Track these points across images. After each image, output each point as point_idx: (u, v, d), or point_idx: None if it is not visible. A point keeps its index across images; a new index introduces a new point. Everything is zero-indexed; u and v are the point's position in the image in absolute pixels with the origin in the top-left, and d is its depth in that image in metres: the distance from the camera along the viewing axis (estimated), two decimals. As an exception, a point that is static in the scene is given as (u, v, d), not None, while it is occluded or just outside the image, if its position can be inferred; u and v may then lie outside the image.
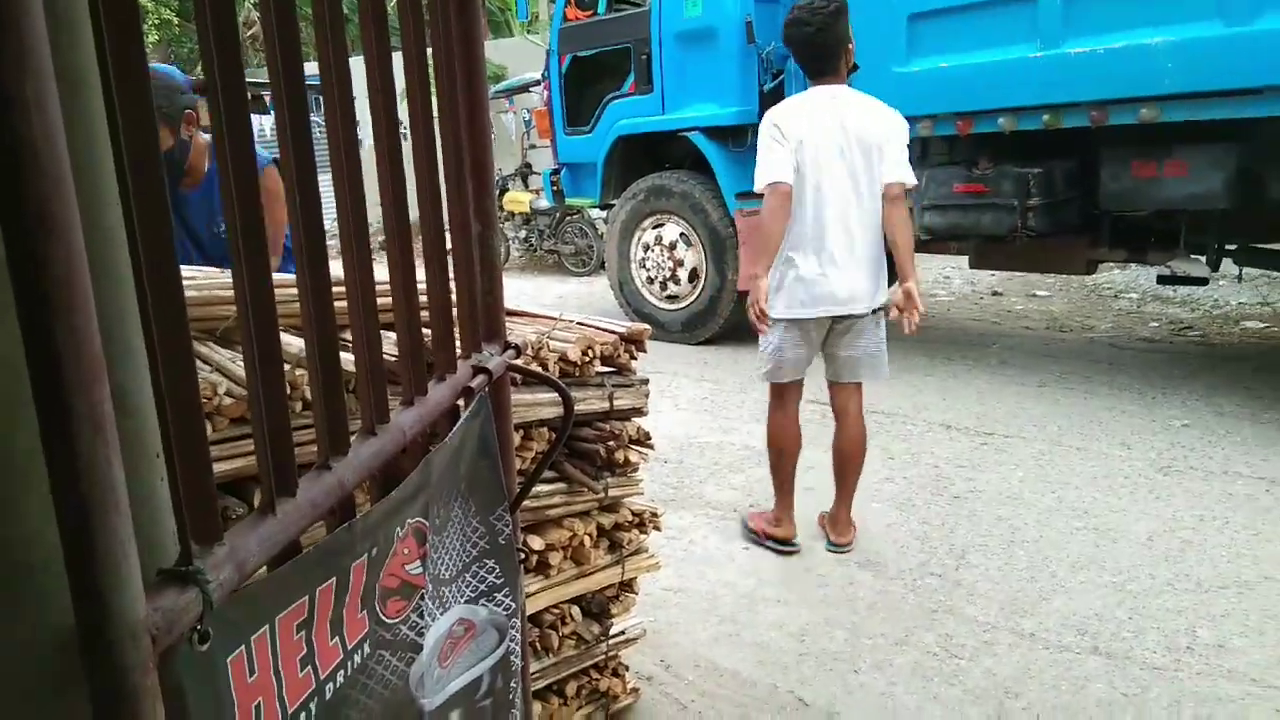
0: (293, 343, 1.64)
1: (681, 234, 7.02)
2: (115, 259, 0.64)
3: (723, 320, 6.88)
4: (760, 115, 6.49)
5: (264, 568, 0.77)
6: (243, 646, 0.72)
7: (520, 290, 9.81)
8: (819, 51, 3.39)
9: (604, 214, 8.44)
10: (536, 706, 2.31)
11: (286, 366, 1.66)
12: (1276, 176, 4.58)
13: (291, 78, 0.85)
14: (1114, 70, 4.83)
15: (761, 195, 3.30)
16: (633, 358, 2.41)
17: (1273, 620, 2.91)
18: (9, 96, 0.50)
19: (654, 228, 7.20)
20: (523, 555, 2.11)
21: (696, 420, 5.23)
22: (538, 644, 2.30)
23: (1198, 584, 3.18)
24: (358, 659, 0.88)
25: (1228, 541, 3.46)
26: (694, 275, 6.99)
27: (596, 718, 2.54)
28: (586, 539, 2.33)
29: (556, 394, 1.39)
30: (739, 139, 6.74)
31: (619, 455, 2.35)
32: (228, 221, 0.78)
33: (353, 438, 0.93)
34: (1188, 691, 2.59)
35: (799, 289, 3.31)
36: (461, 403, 1.17)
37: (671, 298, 7.16)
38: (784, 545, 3.57)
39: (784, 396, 3.50)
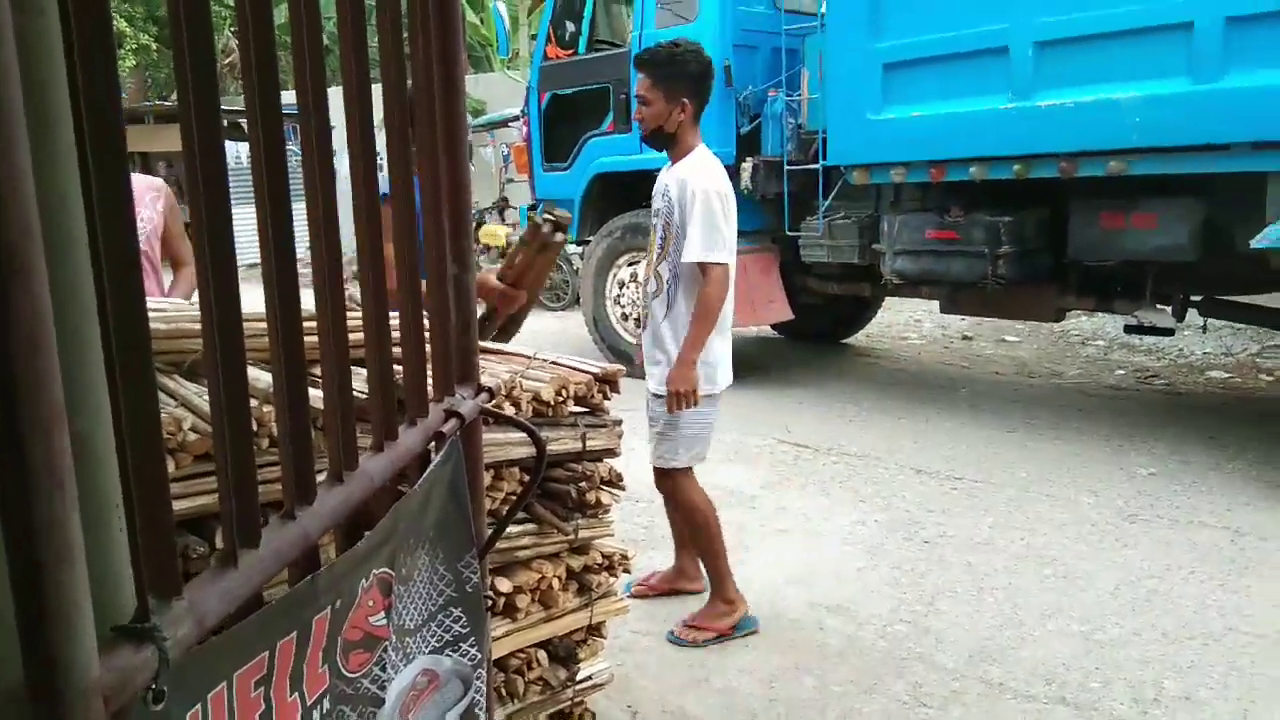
0: (260, 377, 1.62)
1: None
2: (80, 302, 0.62)
3: (696, 359, 6.88)
4: (737, 157, 6.62)
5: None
6: (199, 705, 0.69)
7: (494, 324, 9.76)
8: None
9: (580, 250, 8.46)
10: (500, 753, 2.27)
11: (253, 403, 1.64)
12: (1242, 230, 4.67)
13: (268, 106, 0.84)
14: (1083, 123, 4.93)
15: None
16: (606, 398, 2.39)
17: (1237, 673, 2.92)
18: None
19: (629, 265, 7.22)
20: (490, 598, 2.07)
21: (668, 459, 5.20)
22: (503, 689, 2.26)
23: (1164, 634, 3.19)
24: (317, 715, 0.86)
25: (1194, 592, 3.48)
26: (668, 312, 7.00)
27: (561, 764, 2.49)
28: (555, 581, 2.30)
29: (528, 435, 1.38)
30: (716, 180, 6.79)
31: (590, 496, 2.33)
32: (197, 250, 0.76)
33: (319, 482, 0.91)
34: (1155, 744, 2.59)
35: (725, 361, 3.26)
36: (432, 446, 1.15)
37: (646, 335, 7.16)
38: (749, 625, 3.29)
39: (692, 471, 3.35)
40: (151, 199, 3.16)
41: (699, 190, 3.11)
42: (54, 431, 0.52)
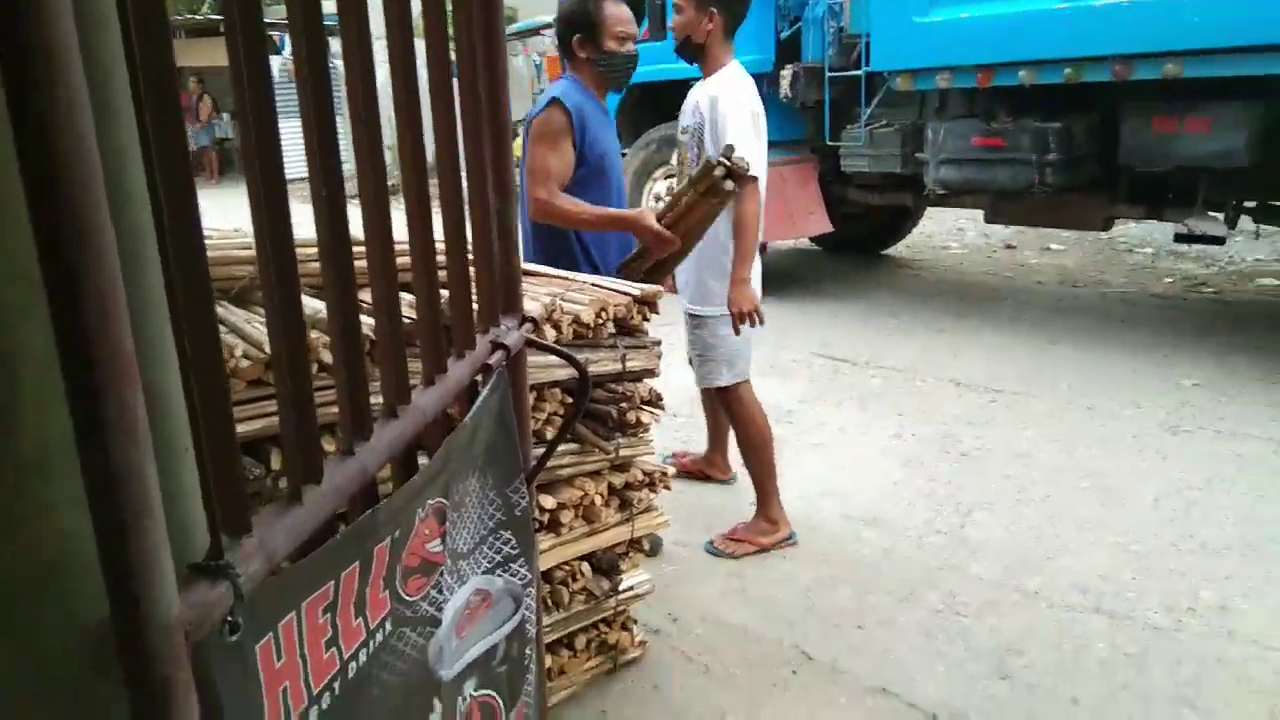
0: (311, 304, 1.65)
1: (694, 184, 6.95)
2: (145, 256, 0.64)
3: (734, 272, 6.85)
4: (777, 64, 6.44)
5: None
6: (270, 634, 0.73)
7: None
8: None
9: (616, 162, 8.35)
10: (547, 659, 2.37)
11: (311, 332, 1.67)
12: (1299, 134, 4.52)
13: (310, 15, 0.83)
14: (1139, 23, 4.73)
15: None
16: (645, 319, 2.41)
17: (1275, 583, 2.94)
18: (40, 109, 0.50)
19: (665, 178, 7.14)
20: (536, 519, 2.14)
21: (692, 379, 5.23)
22: (548, 600, 2.34)
23: (1202, 545, 3.20)
24: (379, 637, 0.90)
25: (1234, 503, 3.48)
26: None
27: (605, 669, 2.59)
28: (597, 498, 2.36)
29: (571, 364, 1.40)
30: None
31: (630, 416, 2.37)
32: (247, 174, 0.76)
33: (374, 418, 0.94)
34: (1189, 652, 2.63)
35: (755, 277, 3.20)
36: (479, 378, 1.18)
37: (683, 248, 7.12)
38: (788, 542, 3.35)
39: (748, 386, 3.38)
40: None
41: (732, 108, 3.08)
42: (127, 389, 0.54)
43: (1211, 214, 5.62)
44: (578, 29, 2.94)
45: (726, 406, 3.40)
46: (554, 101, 2.85)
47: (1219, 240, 5.92)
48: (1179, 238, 6.15)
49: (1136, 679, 2.53)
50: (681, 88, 7.31)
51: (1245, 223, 5.90)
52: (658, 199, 7.21)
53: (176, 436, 0.67)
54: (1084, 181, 5.50)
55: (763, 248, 6.95)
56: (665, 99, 7.29)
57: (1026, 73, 5.23)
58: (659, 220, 2.74)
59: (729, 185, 2.61)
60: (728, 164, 2.59)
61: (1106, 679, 2.54)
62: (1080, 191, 5.58)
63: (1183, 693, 2.47)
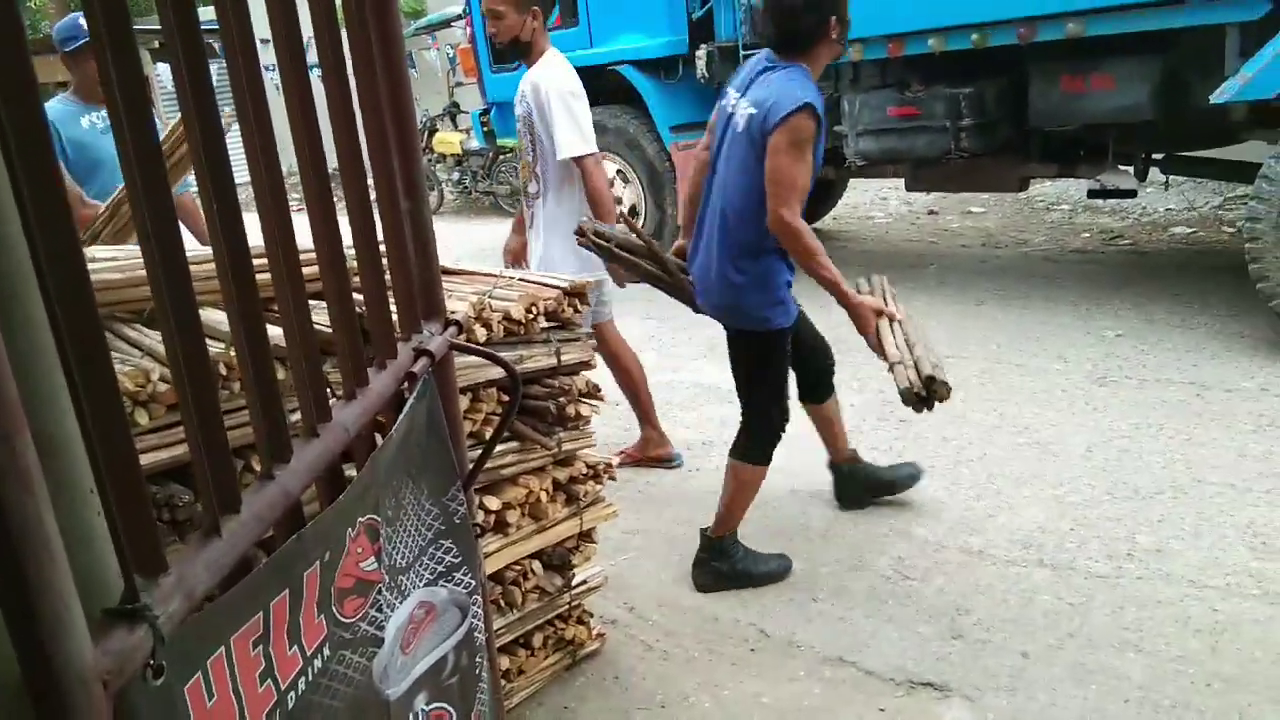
0: (223, 320, 1.60)
1: (618, 171, 6.93)
2: (24, 294, 0.60)
3: (664, 256, 6.86)
4: (691, 45, 6.44)
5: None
6: (199, 673, 0.70)
7: (458, 234, 9.65)
8: None
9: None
10: (504, 660, 2.34)
11: (219, 347, 1.62)
12: (1200, 85, 4.65)
13: (185, 21, 0.79)
14: (1040, -15, 4.83)
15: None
16: (576, 311, 2.39)
17: (1206, 522, 3.04)
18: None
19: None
20: (480, 519, 2.11)
21: (644, 360, 5.18)
22: (501, 601, 2.32)
23: (1135, 491, 3.30)
24: (318, 663, 0.88)
25: (1162, 448, 3.59)
26: (633, 212, 6.93)
27: (563, 665, 2.58)
28: (543, 495, 2.34)
29: (500, 366, 1.37)
30: (670, 70, 6.64)
31: (570, 410, 2.35)
32: (129, 194, 0.72)
33: (293, 438, 0.91)
34: (1129, 596, 2.71)
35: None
36: (405, 386, 1.15)
37: (612, 236, 7.10)
38: (679, 460, 3.90)
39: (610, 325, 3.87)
40: None
41: (553, 91, 3.28)
42: (16, 439, 0.51)
43: (1122, 168, 5.78)
44: (831, 9, 2.61)
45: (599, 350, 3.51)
46: (807, 108, 2.51)
47: (1131, 193, 6.09)
48: (1092, 193, 6.32)
49: (1082, 627, 2.60)
50: (598, 73, 7.31)
51: (1155, 175, 6.08)
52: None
53: (78, 478, 0.64)
54: (998, 144, 5.61)
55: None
56: (585, 85, 7.26)
57: (935, 40, 5.31)
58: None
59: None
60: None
61: (1053, 629, 2.60)
62: (995, 154, 5.69)
63: (1127, 636, 2.54)
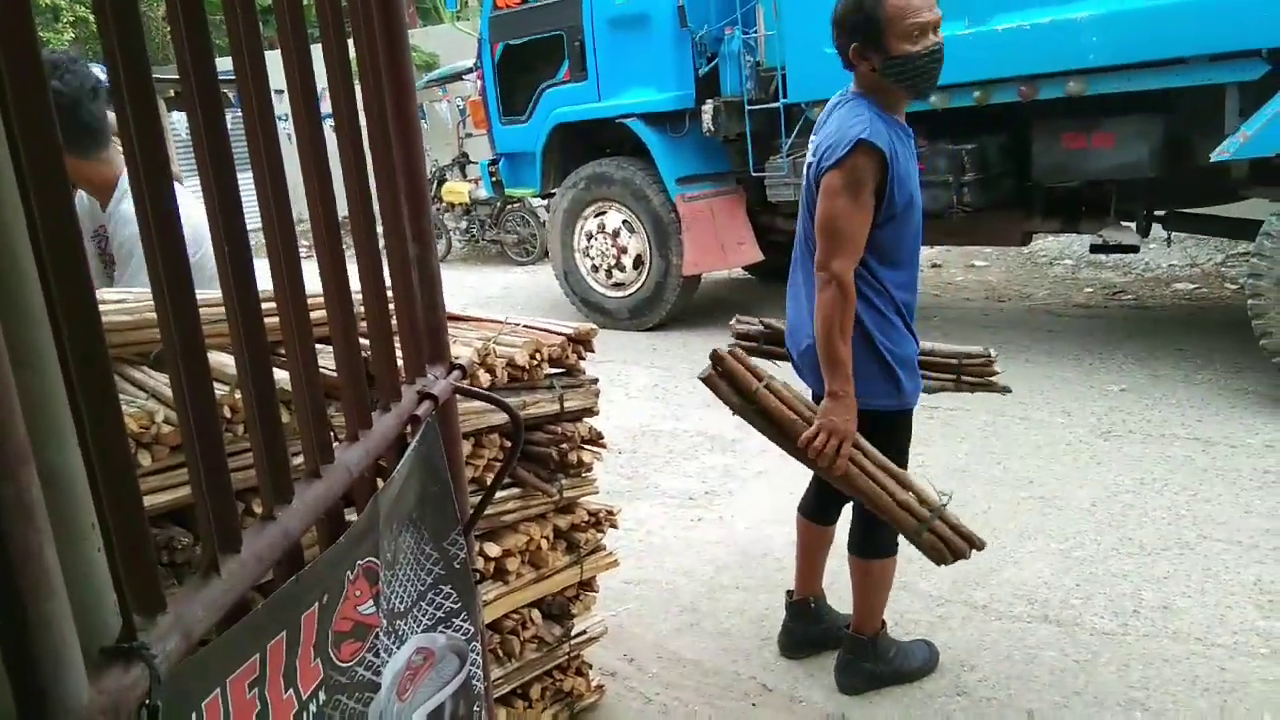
0: (226, 362, 1.61)
1: (624, 221, 7.00)
2: (32, 322, 0.61)
3: (669, 306, 6.90)
4: (697, 99, 6.54)
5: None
6: (194, 715, 0.70)
7: (464, 282, 9.72)
8: None
9: (546, 202, 8.38)
10: (501, 712, 2.31)
11: (224, 389, 1.63)
12: (1201, 144, 4.70)
13: (203, 72, 0.80)
14: (1041, 45, 4.91)
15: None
16: (581, 358, 2.39)
17: (1213, 579, 3.01)
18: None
19: (596, 215, 7.17)
20: (479, 566, 2.10)
21: (648, 408, 5.24)
22: (499, 650, 2.29)
23: (1140, 547, 3.27)
24: (313, 707, 0.87)
25: (1168, 503, 3.57)
26: (639, 262, 6.99)
27: (562, 718, 2.54)
28: (543, 542, 2.32)
29: (503, 410, 1.38)
30: (677, 124, 6.75)
31: (572, 457, 2.35)
32: (142, 235, 0.73)
33: (295, 479, 0.91)
34: (1136, 654, 2.67)
35: None
36: (408, 430, 1.15)
37: (617, 285, 7.15)
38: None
39: None
40: None
41: None
42: (20, 471, 0.51)
43: (1124, 224, 5.83)
44: (854, 35, 2.27)
45: None
46: (860, 146, 2.18)
47: (1134, 249, 6.13)
48: (1095, 248, 6.36)
49: (1088, 685, 2.56)
50: (603, 126, 7.41)
51: (1158, 230, 6.13)
52: (589, 237, 7.23)
53: (79, 513, 0.64)
54: (1001, 199, 5.66)
55: (697, 279, 7.04)
56: (590, 137, 7.38)
57: (937, 97, 5.38)
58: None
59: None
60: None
61: (1059, 687, 2.57)
62: (998, 209, 5.74)
63: (1133, 695, 2.50)
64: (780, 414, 2.33)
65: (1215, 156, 4.40)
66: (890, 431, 2.44)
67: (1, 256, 0.58)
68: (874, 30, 2.22)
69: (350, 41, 1.15)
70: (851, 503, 2.59)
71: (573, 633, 2.48)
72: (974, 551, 2.34)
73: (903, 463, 2.46)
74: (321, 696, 0.88)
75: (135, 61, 0.71)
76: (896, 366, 2.36)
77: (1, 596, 0.54)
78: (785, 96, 6.08)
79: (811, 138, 2.45)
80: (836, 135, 2.24)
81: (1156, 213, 5.83)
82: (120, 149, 2.19)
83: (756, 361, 2.46)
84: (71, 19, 17.34)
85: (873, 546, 2.58)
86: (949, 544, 2.31)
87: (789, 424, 2.32)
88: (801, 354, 2.49)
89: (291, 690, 0.83)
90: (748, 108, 6.36)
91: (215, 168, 0.79)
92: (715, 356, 2.35)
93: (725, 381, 2.36)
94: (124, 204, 2.13)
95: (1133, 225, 5.85)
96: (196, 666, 0.70)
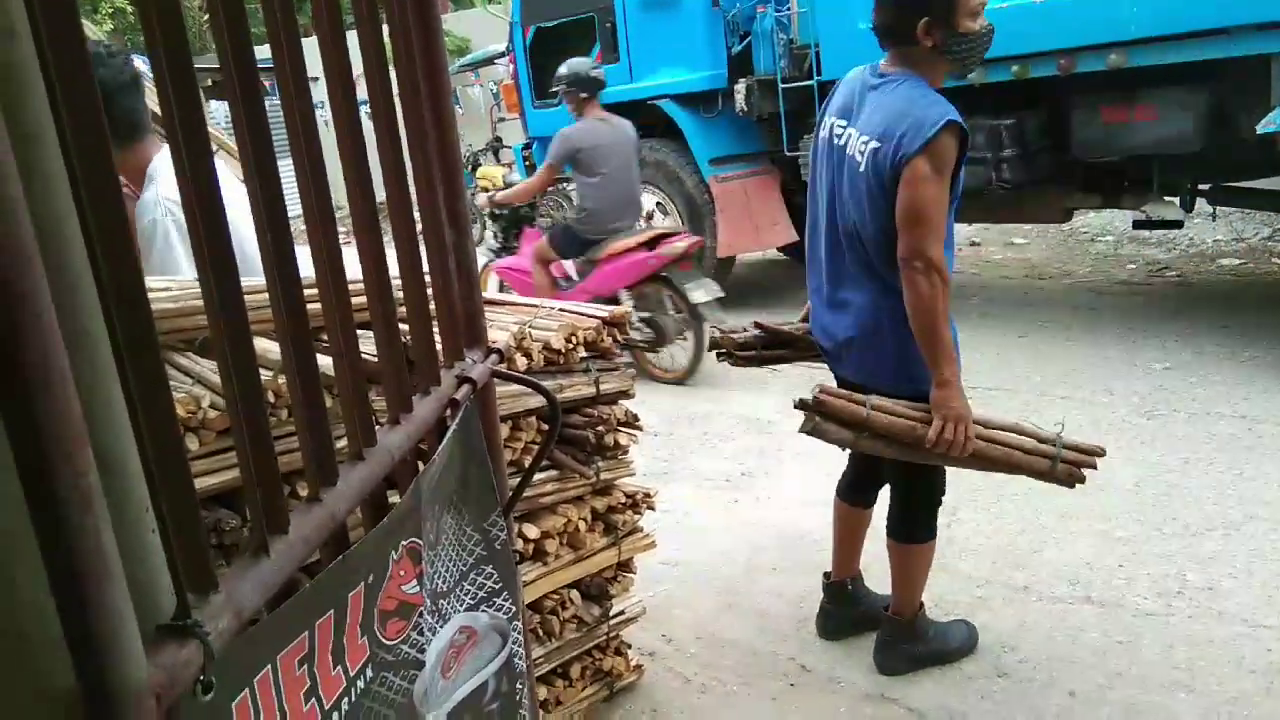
0: (271, 348, 1.63)
1: (658, 203, 6.98)
2: (87, 317, 0.63)
3: (704, 288, 6.89)
4: (730, 78, 6.49)
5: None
6: (246, 690, 0.72)
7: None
8: None
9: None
10: (541, 690, 2.34)
11: (269, 374, 1.66)
12: (1245, 115, 4.59)
13: (242, 59, 0.82)
14: (1080, 17, 4.81)
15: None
16: (616, 341, 2.40)
17: (1259, 559, 2.97)
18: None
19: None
20: (519, 547, 2.12)
21: (685, 391, 5.25)
22: (539, 630, 2.32)
23: (1185, 527, 3.22)
24: (361, 684, 0.89)
25: (1213, 483, 3.51)
26: (670, 242, 6.97)
27: (601, 696, 2.57)
28: (581, 524, 2.34)
29: (540, 393, 1.39)
30: (710, 104, 6.71)
31: (608, 439, 2.36)
32: (189, 223, 0.74)
33: (340, 462, 0.93)
34: (1180, 635, 2.64)
35: None
36: (448, 413, 1.17)
37: (651, 267, 7.14)
38: None
39: None
40: None
41: None
42: (78, 456, 0.53)
43: (1168, 199, 5.71)
44: (924, 9, 2.18)
45: None
46: (950, 126, 2.12)
47: (1178, 224, 6.01)
48: (1138, 224, 6.24)
49: (1130, 666, 2.54)
50: (638, 107, 7.38)
51: (1202, 205, 6.00)
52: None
53: (134, 496, 0.66)
54: (1040, 175, 5.57)
55: (731, 260, 7.00)
56: (623, 119, 7.36)
57: (975, 72, 5.30)
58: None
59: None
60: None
61: (1101, 668, 2.55)
62: (1038, 185, 5.65)
63: (1177, 676, 2.47)
64: (898, 427, 2.28)
65: (1261, 129, 4.29)
66: None
67: (54, 247, 0.59)
68: (948, 6, 2.17)
69: (384, 28, 1.16)
70: (889, 485, 2.60)
71: (611, 613, 2.51)
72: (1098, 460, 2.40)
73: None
74: (369, 673, 0.90)
75: (176, 51, 0.73)
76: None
77: (62, 579, 0.56)
78: (820, 74, 6.01)
79: (839, 120, 2.35)
80: (914, 117, 2.13)
81: (1201, 187, 5.71)
82: (157, 138, 2.21)
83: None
84: (110, 10, 17.59)
85: (911, 531, 2.57)
86: (1078, 465, 2.37)
87: (908, 432, 2.27)
88: (840, 345, 2.46)
89: (340, 667, 0.85)
90: (781, 86, 6.30)
91: (257, 156, 0.81)
92: (816, 404, 2.29)
93: (833, 423, 2.30)
94: (147, 191, 2.17)
95: (1176, 200, 5.73)
96: (248, 643, 0.72)
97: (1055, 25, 4.91)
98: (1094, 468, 2.36)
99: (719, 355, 2.83)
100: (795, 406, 2.32)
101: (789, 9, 6.25)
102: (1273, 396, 4.24)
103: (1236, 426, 3.98)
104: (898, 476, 2.56)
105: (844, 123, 2.33)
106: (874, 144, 2.19)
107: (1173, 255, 7.27)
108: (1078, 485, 2.38)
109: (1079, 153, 5.35)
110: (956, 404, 2.25)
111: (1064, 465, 2.34)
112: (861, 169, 2.23)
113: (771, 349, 2.75)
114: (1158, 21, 4.58)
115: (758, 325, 2.76)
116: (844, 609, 2.86)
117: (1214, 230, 7.52)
